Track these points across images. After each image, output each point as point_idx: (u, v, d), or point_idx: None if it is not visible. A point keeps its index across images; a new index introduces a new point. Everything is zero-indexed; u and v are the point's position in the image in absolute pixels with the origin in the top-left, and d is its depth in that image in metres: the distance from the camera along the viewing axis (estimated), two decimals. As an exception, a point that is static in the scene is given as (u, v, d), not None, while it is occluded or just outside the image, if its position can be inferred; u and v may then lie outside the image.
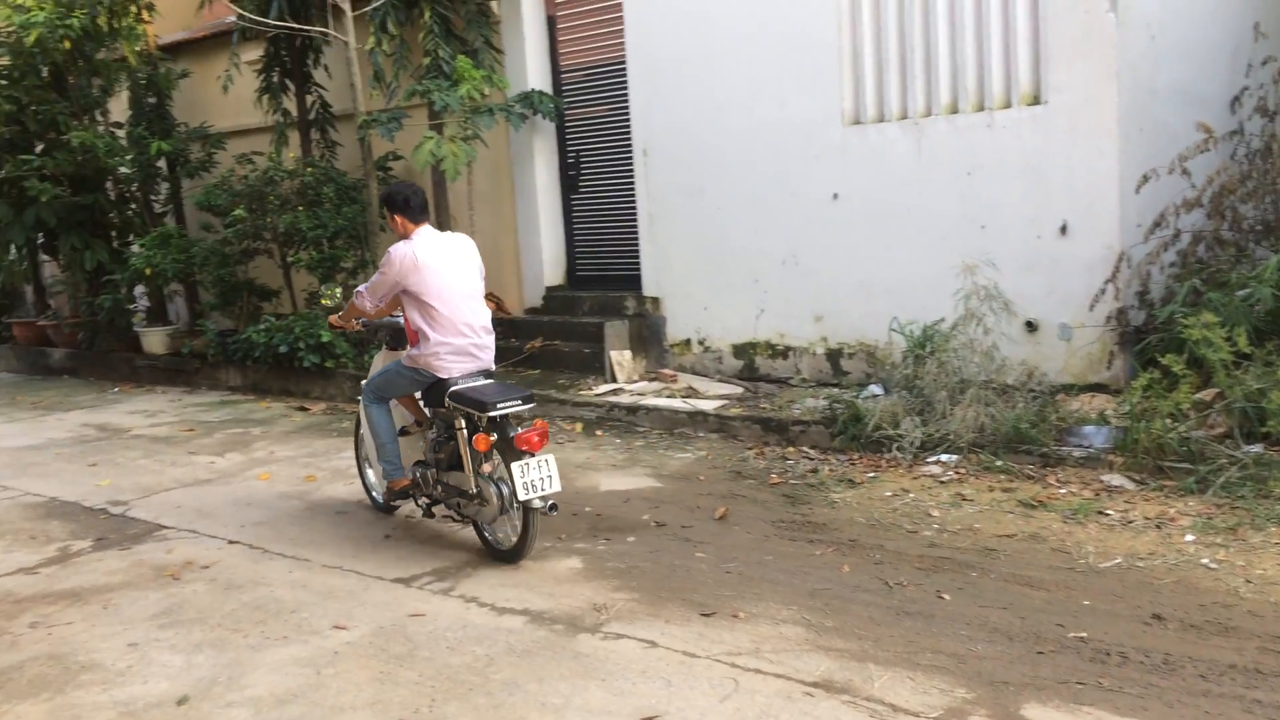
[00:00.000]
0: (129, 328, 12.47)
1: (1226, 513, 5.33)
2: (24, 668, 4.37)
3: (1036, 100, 7.17)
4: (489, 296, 10.28)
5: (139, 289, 12.50)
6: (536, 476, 5.02)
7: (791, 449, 7.14)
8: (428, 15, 9.72)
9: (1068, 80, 6.98)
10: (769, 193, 8.52)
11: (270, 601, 4.95)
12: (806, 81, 8.18)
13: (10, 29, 11.30)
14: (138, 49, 11.73)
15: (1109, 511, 5.51)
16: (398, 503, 6.06)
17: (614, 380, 9.05)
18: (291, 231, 10.35)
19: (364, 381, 6.02)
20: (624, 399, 8.42)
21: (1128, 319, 6.96)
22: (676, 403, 8.17)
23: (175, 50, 12.71)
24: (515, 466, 5.00)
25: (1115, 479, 5.94)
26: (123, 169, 12.04)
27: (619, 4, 9.32)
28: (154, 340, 12.22)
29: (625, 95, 9.44)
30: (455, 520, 5.69)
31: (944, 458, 6.49)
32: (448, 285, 5.37)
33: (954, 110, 7.57)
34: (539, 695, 3.87)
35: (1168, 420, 5.95)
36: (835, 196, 8.16)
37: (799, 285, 8.47)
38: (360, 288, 5.70)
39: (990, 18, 7.31)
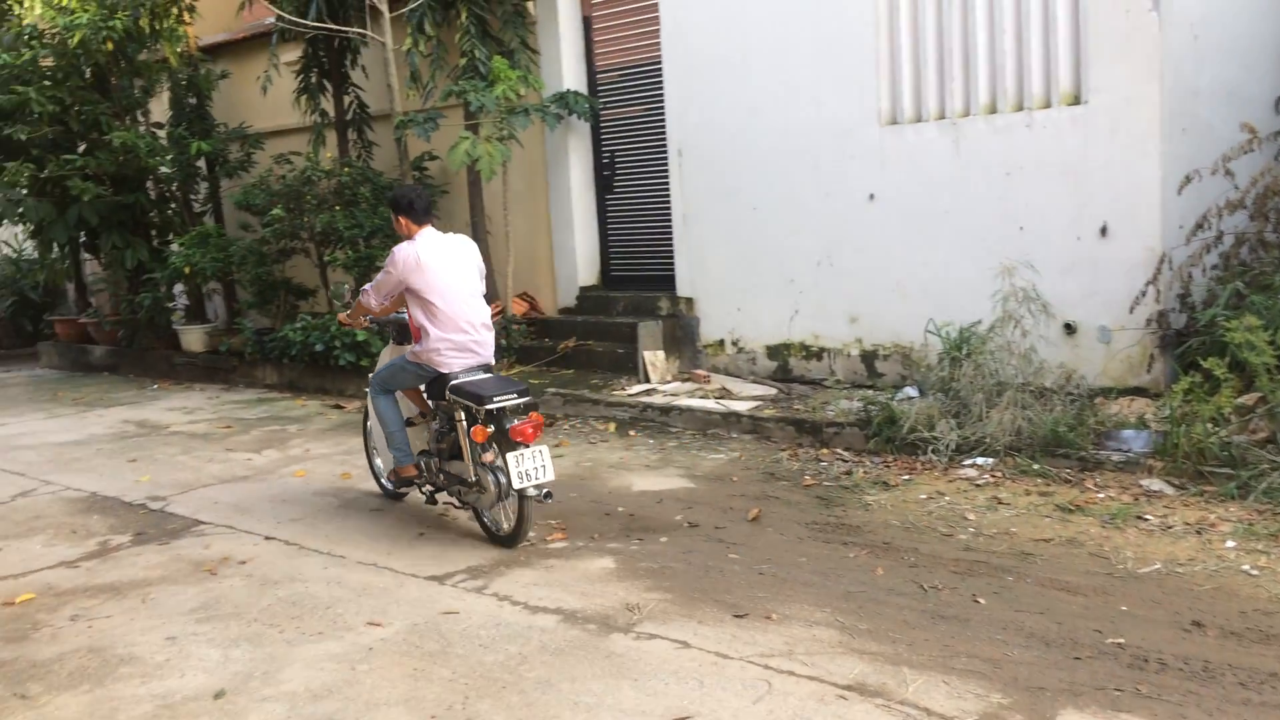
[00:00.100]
0: (168, 325, 12.63)
1: (1268, 518, 5.24)
2: (64, 660, 4.43)
3: (1077, 100, 7.10)
4: (523, 296, 10.43)
5: (178, 287, 12.66)
6: (531, 466, 5.25)
7: (825, 451, 7.11)
8: (464, 16, 9.77)
9: (1109, 80, 6.90)
10: (804, 193, 8.49)
11: (306, 597, 4.99)
12: (843, 81, 8.14)
13: (54, 30, 11.49)
14: (179, 50, 11.88)
15: (1148, 516, 5.44)
16: (405, 489, 6.33)
17: (647, 380, 9.05)
18: (328, 231, 10.44)
19: (371, 374, 6.26)
20: (657, 399, 8.41)
21: (1168, 322, 6.88)
22: (710, 403, 8.16)
23: (215, 51, 12.87)
24: (510, 456, 5.23)
25: (1154, 484, 5.87)
26: (163, 169, 12.22)
27: (655, 4, 9.32)
28: (192, 338, 12.37)
29: (660, 95, 9.44)
30: (456, 507, 5.99)
31: (980, 461, 6.44)
32: (448, 284, 5.60)
33: (992, 110, 7.51)
34: (571, 694, 3.87)
35: (1209, 424, 5.87)
36: (871, 197, 8.11)
37: (834, 286, 8.43)
38: (366, 286, 5.96)
39: (1030, 17, 7.24)
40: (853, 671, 3.93)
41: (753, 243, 8.87)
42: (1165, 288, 6.85)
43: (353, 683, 4.06)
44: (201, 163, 12.38)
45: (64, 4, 11.29)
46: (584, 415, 8.46)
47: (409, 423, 6.09)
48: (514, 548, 5.47)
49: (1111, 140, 6.93)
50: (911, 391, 7.53)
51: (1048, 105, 7.23)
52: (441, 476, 5.86)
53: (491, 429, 5.33)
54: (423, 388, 5.91)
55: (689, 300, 9.44)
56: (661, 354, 9.24)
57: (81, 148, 12.26)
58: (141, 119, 12.60)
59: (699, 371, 9.20)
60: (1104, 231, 7.04)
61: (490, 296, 10.38)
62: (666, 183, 9.50)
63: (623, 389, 8.85)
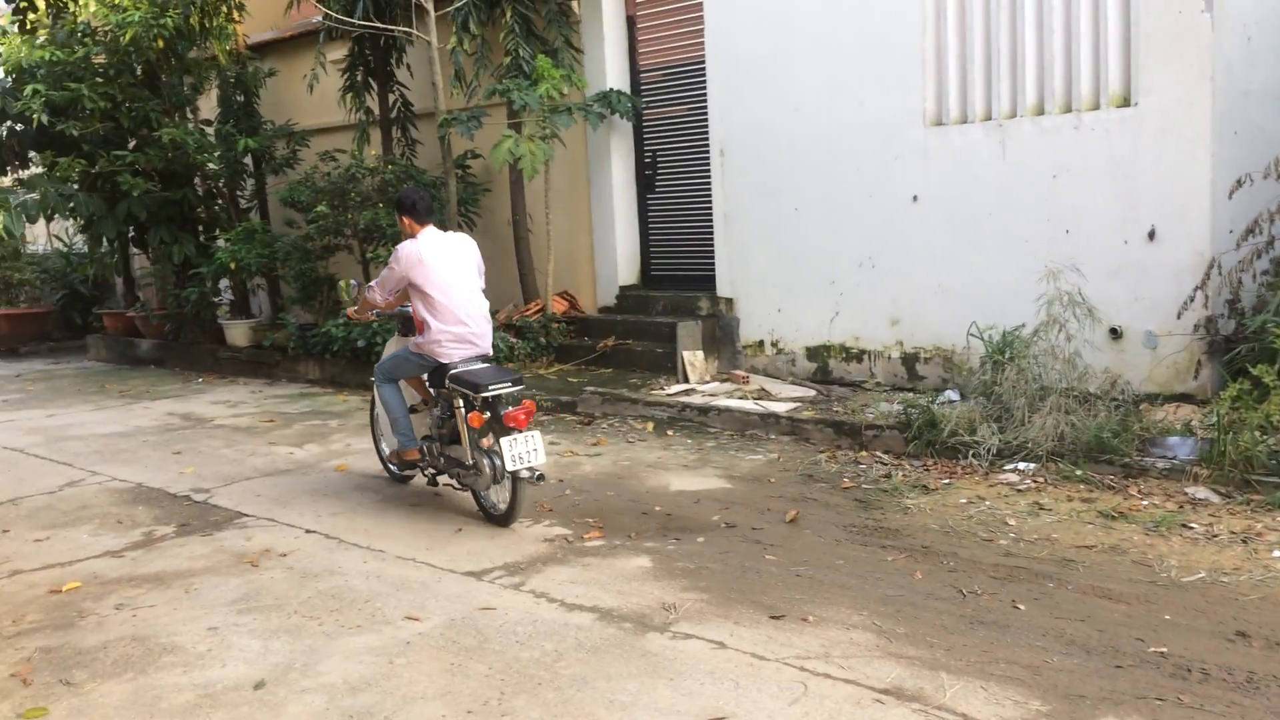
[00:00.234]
0: (214, 320, 12.80)
1: (1318, 529, 5.15)
2: (109, 648, 4.50)
3: (1126, 102, 7.01)
4: (563, 294, 10.46)
5: (223, 282, 12.83)
6: (523, 450, 5.60)
7: (864, 453, 7.07)
8: (509, 15, 9.82)
9: (1160, 81, 6.81)
10: (847, 194, 8.44)
11: (345, 591, 5.04)
12: (888, 82, 8.09)
13: (107, 28, 11.68)
14: (228, 48, 12.05)
15: (1193, 524, 5.35)
16: (409, 472, 6.69)
17: (686, 380, 9.05)
18: (371, 228, 10.52)
19: (376, 364, 6.57)
20: (696, 399, 8.40)
21: (1217, 327, 6.77)
22: (748, 404, 8.14)
23: (263, 49, 13.03)
24: (504, 441, 5.59)
25: (1200, 491, 5.78)
26: (211, 165, 12.38)
27: (699, 4, 9.31)
28: (237, 333, 12.52)
29: (703, 95, 9.43)
30: (456, 489, 6.33)
31: (1021, 466, 6.37)
32: (448, 280, 5.94)
33: (1040, 112, 7.43)
34: (607, 692, 3.88)
35: (1257, 432, 5.78)
36: (915, 198, 8.06)
37: (875, 288, 8.38)
38: (372, 282, 6.33)
39: (1080, 18, 7.16)
40: (890, 675, 3.91)
41: (794, 243, 8.84)
42: (1214, 293, 6.74)
43: (390, 676, 4.10)
44: (248, 159, 12.56)
45: (117, 2, 11.48)
46: (622, 414, 8.47)
47: (412, 410, 6.46)
48: (508, 526, 5.83)
49: (1161, 143, 6.84)
50: (952, 395, 7.46)
51: (1096, 107, 7.15)
52: (442, 460, 6.21)
53: (487, 415, 5.67)
54: (425, 377, 6.24)
55: (729, 300, 9.42)
56: (700, 354, 9.22)
57: (131, 144, 12.49)
58: (190, 116, 12.80)
59: (738, 372, 9.18)
60: (1152, 235, 6.95)
61: (530, 295, 10.54)
62: (708, 182, 9.49)
63: (661, 389, 8.85)
